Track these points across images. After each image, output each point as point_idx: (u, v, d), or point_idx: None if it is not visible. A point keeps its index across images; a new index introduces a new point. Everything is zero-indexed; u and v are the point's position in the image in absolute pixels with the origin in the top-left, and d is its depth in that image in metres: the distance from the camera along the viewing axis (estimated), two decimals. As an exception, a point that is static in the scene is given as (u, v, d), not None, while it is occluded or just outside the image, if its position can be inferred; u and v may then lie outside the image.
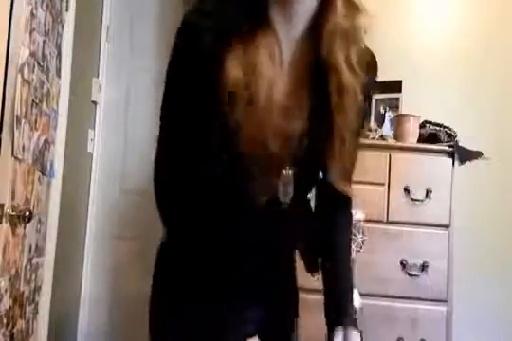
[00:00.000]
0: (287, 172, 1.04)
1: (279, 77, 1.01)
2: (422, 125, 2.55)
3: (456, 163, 2.39)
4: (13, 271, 1.78)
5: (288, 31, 1.03)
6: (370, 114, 2.87)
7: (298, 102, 1.03)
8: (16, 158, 1.72)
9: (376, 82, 1.17)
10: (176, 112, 1.04)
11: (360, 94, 1.05)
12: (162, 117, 1.06)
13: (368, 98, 1.15)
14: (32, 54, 1.83)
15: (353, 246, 2.35)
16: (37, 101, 1.94)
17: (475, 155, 2.43)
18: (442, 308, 2.32)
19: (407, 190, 2.38)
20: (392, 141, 2.51)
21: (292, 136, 1.02)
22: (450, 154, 2.40)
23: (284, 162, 1.04)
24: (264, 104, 0.98)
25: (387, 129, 2.70)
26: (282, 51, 1.02)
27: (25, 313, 1.98)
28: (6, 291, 1.71)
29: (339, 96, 1.03)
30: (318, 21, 1.03)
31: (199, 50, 0.99)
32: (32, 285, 2.07)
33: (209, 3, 1.03)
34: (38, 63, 1.92)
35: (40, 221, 2.13)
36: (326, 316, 1.17)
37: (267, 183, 1.03)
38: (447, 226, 2.37)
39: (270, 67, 0.99)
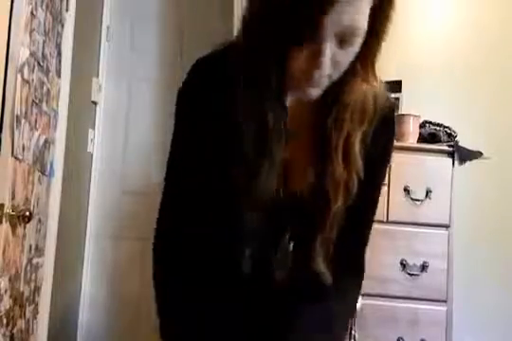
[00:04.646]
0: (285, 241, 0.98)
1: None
2: (422, 125, 2.54)
3: (456, 163, 2.39)
4: (13, 271, 1.78)
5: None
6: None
7: (303, 161, 0.99)
8: (16, 158, 1.72)
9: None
10: (186, 162, 0.99)
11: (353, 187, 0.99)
12: (169, 166, 1.01)
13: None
14: (32, 54, 1.83)
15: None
16: (37, 101, 1.94)
17: (475, 155, 2.43)
18: (442, 308, 2.32)
19: (407, 190, 2.37)
20: (392, 141, 2.50)
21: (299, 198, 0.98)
22: (450, 154, 2.39)
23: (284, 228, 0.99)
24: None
25: (387, 129, 2.70)
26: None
27: (25, 313, 1.98)
28: (6, 291, 1.71)
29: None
30: (334, 88, 0.92)
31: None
32: (32, 285, 2.07)
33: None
34: (38, 63, 1.92)
35: (40, 221, 2.13)
36: None
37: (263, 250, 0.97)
38: (447, 226, 2.37)
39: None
